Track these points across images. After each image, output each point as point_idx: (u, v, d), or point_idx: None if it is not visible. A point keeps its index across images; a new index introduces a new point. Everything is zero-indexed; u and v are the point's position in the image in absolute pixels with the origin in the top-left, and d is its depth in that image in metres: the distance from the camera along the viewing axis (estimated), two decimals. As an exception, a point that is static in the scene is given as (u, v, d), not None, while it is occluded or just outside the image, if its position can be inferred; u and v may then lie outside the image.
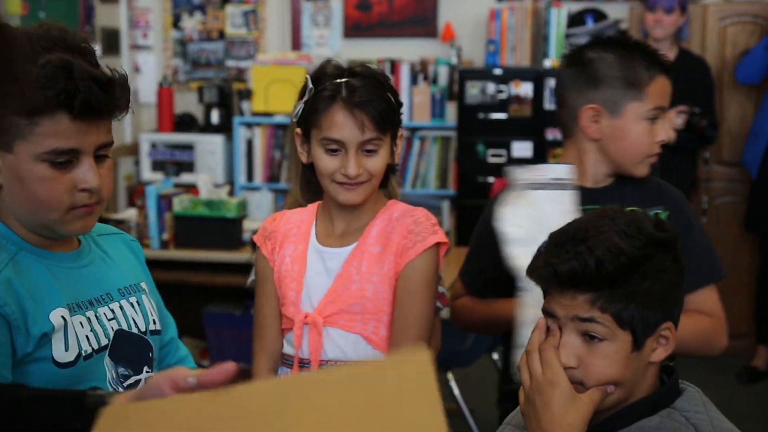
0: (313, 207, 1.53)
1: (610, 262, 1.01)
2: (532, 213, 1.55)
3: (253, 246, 1.55)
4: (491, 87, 3.90)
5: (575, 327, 1.04)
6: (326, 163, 1.38)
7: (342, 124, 1.36)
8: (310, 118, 1.40)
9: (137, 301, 1.22)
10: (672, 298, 1.08)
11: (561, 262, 1.03)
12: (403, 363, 0.69)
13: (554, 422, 1.03)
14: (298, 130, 1.43)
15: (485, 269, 1.50)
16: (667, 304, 1.07)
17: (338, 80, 1.39)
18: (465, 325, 1.82)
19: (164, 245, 3.19)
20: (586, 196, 1.51)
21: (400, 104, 1.44)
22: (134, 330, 1.18)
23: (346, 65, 1.47)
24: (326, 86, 1.38)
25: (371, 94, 1.37)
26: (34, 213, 1.10)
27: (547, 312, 1.09)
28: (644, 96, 1.52)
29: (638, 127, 1.54)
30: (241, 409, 0.66)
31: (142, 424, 0.67)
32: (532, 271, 1.09)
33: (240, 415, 0.65)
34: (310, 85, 1.40)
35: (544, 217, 1.50)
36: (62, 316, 1.09)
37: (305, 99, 1.41)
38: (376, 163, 1.38)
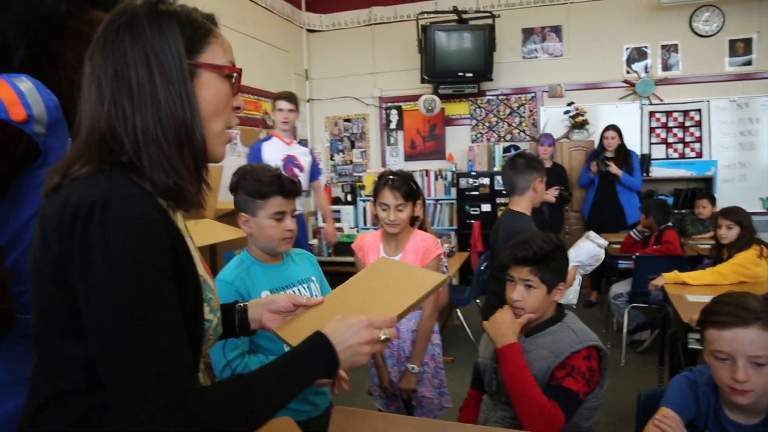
0: (378, 232, 2.01)
1: (539, 254, 1.40)
2: (577, 251, 2.53)
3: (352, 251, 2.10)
4: (471, 180, 5.69)
5: (522, 282, 1.41)
6: (381, 214, 1.88)
7: (387, 196, 1.87)
8: (375, 195, 1.95)
9: (307, 286, 1.59)
10: (563, 271, 1.47)
11: (518, 252, 1.45)
12: (383, 261, 1.02)
13: (502, 329, 1.40)
14: (372, 200, 1.96)
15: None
16: (561, 273, 1.47)
17: (386, 176, 1.90)
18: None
19: (330, 255, 4.69)
20: (530, 218, 2.33)
21: (418, 187, 1.93)
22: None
23: (395, 171, 1.94)
24: (381, 180, 1.92)
25: (401, 182, 1.89)
26: (267, 243, 1.50)
27: (509, 275, 1.46)
28: (544, 174, 2.39)
29: (544, 186, 2.43)
30: (343, 292, 0.99)
31: (304, 317, 0.92)
32: (504, 257, 1.46)
33: (342, 294, 0.97)
34: (376, 180, 1.96)
35: (581, 252, 2.49)
36: (267, 293, 1.42)
37: (374, 187, 1.93)
38: (403, 215, 1.89)
